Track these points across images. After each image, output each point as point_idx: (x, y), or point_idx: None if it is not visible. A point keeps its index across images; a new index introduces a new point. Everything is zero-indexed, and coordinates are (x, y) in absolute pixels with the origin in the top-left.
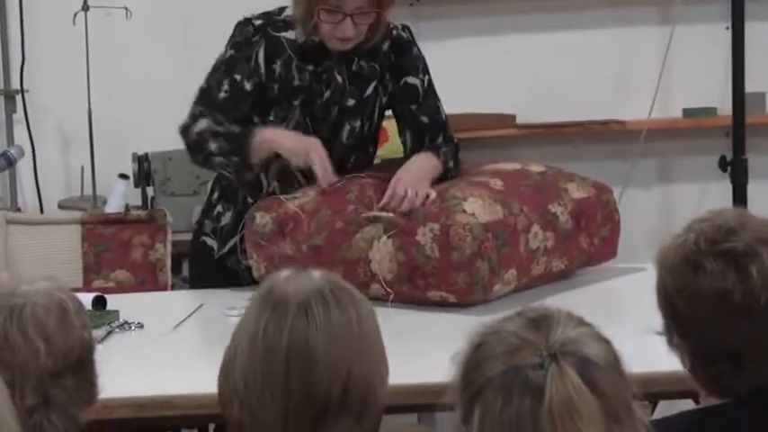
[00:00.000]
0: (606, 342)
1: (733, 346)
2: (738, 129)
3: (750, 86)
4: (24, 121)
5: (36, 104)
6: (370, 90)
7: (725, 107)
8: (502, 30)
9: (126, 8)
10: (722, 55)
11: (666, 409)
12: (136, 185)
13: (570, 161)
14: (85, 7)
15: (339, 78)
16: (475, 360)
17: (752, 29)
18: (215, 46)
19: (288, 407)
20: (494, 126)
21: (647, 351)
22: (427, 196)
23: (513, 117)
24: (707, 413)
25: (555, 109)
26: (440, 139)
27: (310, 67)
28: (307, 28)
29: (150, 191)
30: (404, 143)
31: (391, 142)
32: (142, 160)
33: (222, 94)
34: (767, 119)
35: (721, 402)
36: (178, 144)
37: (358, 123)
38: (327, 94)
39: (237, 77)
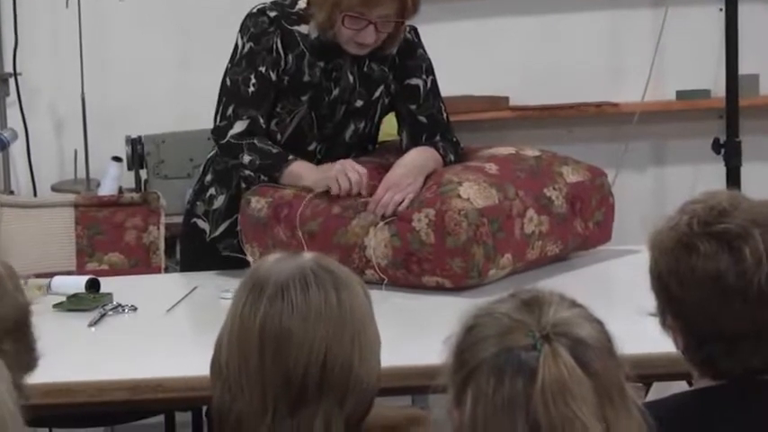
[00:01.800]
0: (599, 323)
1: (726, 328)
2: (732, 111)
3: (743, 68)
4: (17, 104)
5: (29, 87)
6: (378, 93)
7: (718, 89)
8: (495, 12)
9: None
10: (715, 37)
11: (660, 390)
12: (129, 168)
13: (564, 143)
14: None
15: (351, 78)
16: (467, 342)
17: (745, 10)
18: (208, 29)
19: (265, 388)
20: (487, 108)
21: (641, 333)
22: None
23: (507, 99)
24: (700, 395)
25: (548, 91)
26: (437, 137)
27: (321, 64)
28: (327, 32)
29: (144, 173)
30: (401, 141)
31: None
32: (135, 143)
33: (251, 89)
34: (760, 101)
35: (714, 384)
36: (171, 127)
37: (362, 124)
38: (336, 92)
39: (262, 69)
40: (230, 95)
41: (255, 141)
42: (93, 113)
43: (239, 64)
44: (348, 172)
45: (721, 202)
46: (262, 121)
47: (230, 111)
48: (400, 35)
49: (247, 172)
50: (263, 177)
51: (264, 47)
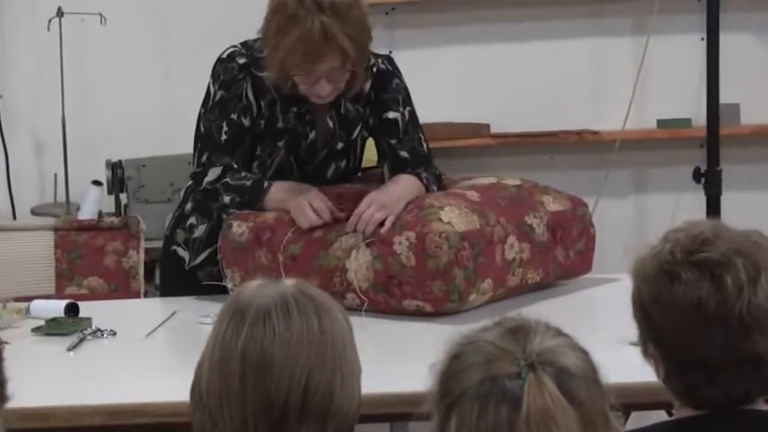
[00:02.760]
0: (583, 352)
1: (707, 356)
2: (712, 140)
3: (724, 98)
4: None
5: (9, 110)
6: (356, 132)
7: (699, 118)
8: (476, 39)
9: (100, 14)
10: (697, 66)
11: (639, 419)
12: (109, 192)
13: (545, 171)
14: (60, 13)
15: (330, 123)
16: (452, 370)
17: (727, 40)
18: (189, 53)
19: (245, 413)
20: (468, 135)
21: (621, 362)
22: (383, 223)
23: (488, 126)
24: (681, 425)
25: (529, 118)
26: (420, 170)
27: (294, 109)
28: (283, 87)
29: (124, 198)
30: (382, 175)
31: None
32: (116, 167)
33: (223, 137)
34: (741, 130)
35: (695, 414)
36: (152, 151)
37: (343, 163)
38: (312, 135)
39: (234, 117)
40: (204, 142)
41: (228, 180)
42: (73, 137)
43: (212, 111)
44: (312, 202)
45: (704, 231)
46: (235, 167)
47: (205, 158)
48: (358, 79)
49: (231, 210)
50: (246, 210)
51: (235, 94)
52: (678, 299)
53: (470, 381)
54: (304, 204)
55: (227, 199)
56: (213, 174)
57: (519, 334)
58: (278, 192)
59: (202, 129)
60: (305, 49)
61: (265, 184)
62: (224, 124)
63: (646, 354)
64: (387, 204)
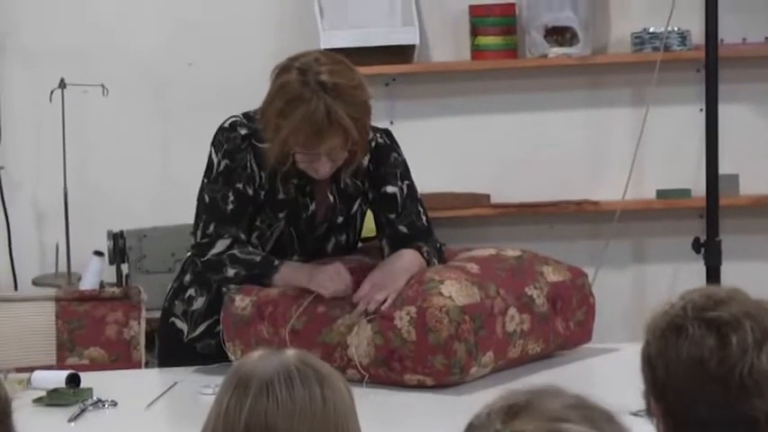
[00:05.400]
0: None
1: (703, 415)
2: (712, 210)
3: (723, 168)
4: None
5: (11, 180)
6: (356, 206)
7: (699, 189)
8: (476, 110)
9: (103, 86)
10: (696, 137)
11: None
12: (111, 262)
13: (544, 241)
14: (62, 85)
15: (330, 198)
16: (467, 426)
17: (725, 111)
18: (190, 125)
19: None
20: (468, 205)
21: None
22: (385, 300)
23: (488, 197)
24: None
25: (529, 189)
26: (420, 243)
27: (294, 181)
28: (281, 166)
29: (125, 268)
30: (381, 249)
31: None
32: (117, 237)
33: (230, 206)
34: (741, 201)
35: None
36: (153, 221)
37: (344, 237)
38: (312, 206)
39: (240, 186)
40: (210, 213)
41: (236, 252)
42: (75, 207)
43: (216, 181)
44: (334, 278)
45: (719, 293)
46: (243, 237)
47: (211, 229)
48: (357, 156)
49: (233, 283)
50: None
51: (239, 164)
52: (682, 354)
53: None
54: (326, 274)
55: (231, 272)
56: (221, 245)
57: (512, 409)
58: (289, 272)
59: (207, 199)
60: (309, 129)
61: (276, 261)
62: (230, 194)
63: (648, 410)
64: (388, 284)
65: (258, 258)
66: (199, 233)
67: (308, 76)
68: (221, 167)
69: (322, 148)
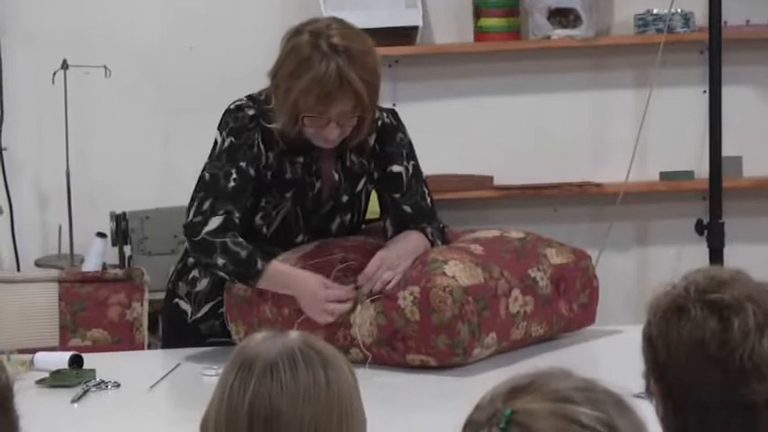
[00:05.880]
0: (581, 425)
1: (702, 397)
2: (715, 192)
3: (727, 150)
4: (2, 179)
5: (14, 162)
6: (361, 185)
7: (702, 171)
8: (480, 92)
9: (105, 67)
10: (699, 119)
11: None
12: (113, 244)
13: (548, 223)
14: (64, 66)
15: (336, 176)
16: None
17: (729, 93)
18: (192, 106)
19: None
20: (472, 188)
21: None
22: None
23: (491, 179)
24: None
25: (533, 171)
26: (424, 225)
27: (300, 159)
28: (290, 130)
29: (128, 249)
30: (385, 229)
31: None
32: (120, 219)
33: (231, 183)
34: (744, 183)
35: None
36: (156, 203)
37: (348, 216)
38: (318, 184)
39: (243, 164)
40: (208, 190)
41: (228, 241)
42: (77, 189)
43: (219, 158)
44: (326, 309)
45: (722, 274)
46: (237, 216)
47: (207, 205)
48: (365, 126)
49: (221, 273)
50: (237, 281)
51: (245, 142)
52: (683, 335)
53: (469, 418)
54: (316, 305)
55: (220, 261)
56: (215, 222)
57: (516, 389)
58: (274, 275)
59: (207, 176)
60: (319, 91)
61: (259, 264)
62: (233, 171)
63: (647, 391)
64: (394, 265)
65: (244, 254)
66: (192, 211)
67: (320, 40)
68: (225, 144)
69: (332, 112)
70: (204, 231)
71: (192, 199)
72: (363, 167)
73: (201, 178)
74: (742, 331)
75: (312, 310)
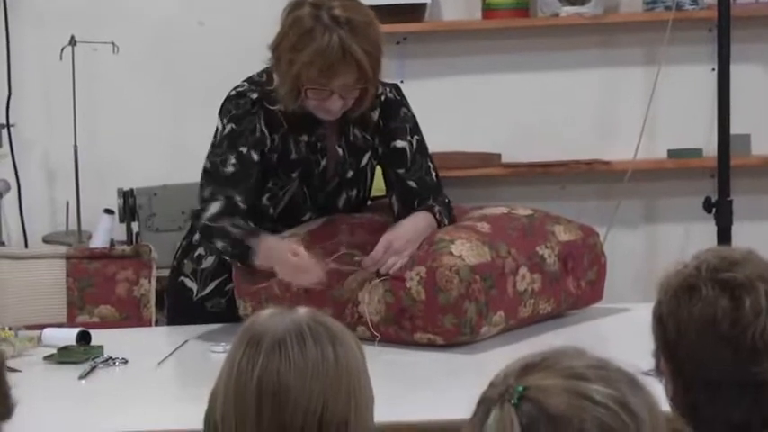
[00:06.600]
0: (593, 401)
1: (712, 375)
2: (723, 170)
3: (735, 128)
4: (10, 156)
5: (22, 139)
6: (365, 160)
7: (710, 149)
8: (488, 69)
9: (113, 43)
10: (708, 96)
11: None
12: (121, 221)
13: (555, 201)
14: (72, 42)
15: (340, 151)
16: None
17: (737, 71)
18: (201, 82)
19: None
20: (479, 165)
21: None
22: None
23: (499, 156)
24: None
25: (540, 148)
26: (430, 201)
27: (305, 138)
28: (292, 103)
29: (135, 226)
30: (391, 205)
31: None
32: (127, 195)
33: (230, 169)
34: (752, 161)
35: None
36: (163, 180)
37: (354, 192)
38: (324, 162)
39: (243, 150)
40: (209, 178)
41: (226, 225)
42: (85, 165)
43: (220, 145)
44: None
45: (734, 254)
46: (239, 199)
47: (207, 193)
48: (368, 98)
49: (223, 256)
50: (237, 262)
51: (247, 127)
52: (694, 314)
53: (482, 395)
54: (294, 270)
55: (220, 245)
56: (214, 208)
57: (528, 367)
58: (264, 250)
59: (208, 164)
60: (322, 63)
61: (252, 242)
62: (232, 157)
63: (657, 369)
64: (401, 249)
65: (240, 236)
66: (197, 200)
67: (322, 11)
68: (226, 131)
69: (335, 84)
70: (204, 217)
71: (200, 187)
72: (367, 142)
73: (204, 167)
74: (753, 310)
75: (288, 275)
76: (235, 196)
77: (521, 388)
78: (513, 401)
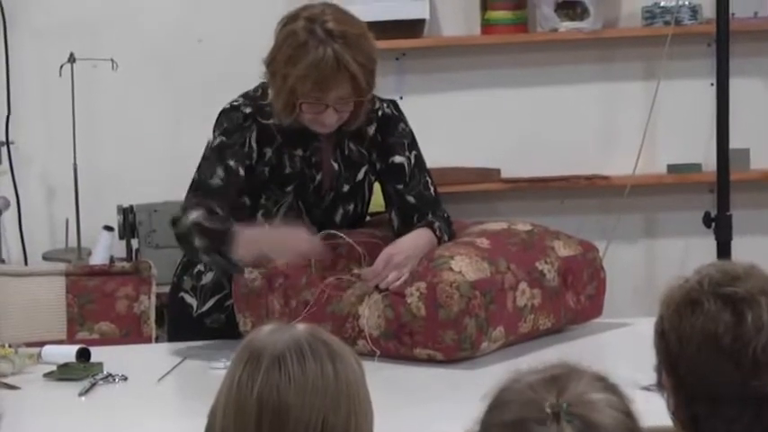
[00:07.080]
0: (626, 413)
1: (713, 390)
2: (723, 185)
3: (734, 143)
4: (9, 173)
5: (21, 156)
6: (361, 175)
7: (709, 163)
8: (487, 84)
9: (112, 60)
10: (707, 111)
11: None
12: (121, 237)
13: (555, 215)
14: (72, 59)
15: (335, 165)
16: (491, 404)
17: (736, 85)
18: (200, 99)
19: None
20: (479, 180)
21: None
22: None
23: (498, 171)
24: None
25: (540, 163)
26: (429, 216)
27: (299, 152)
28: (287, 117)
29: (135, 243)
30: (390, 221)
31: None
32: (127, 212)
33: (217, 181)
34: (751, 175)
35: None
36: (163, 196)
37: (351, 207)
38: (319, 177)
39: (231, 163)
40: (194, 188)
41: (203, 221)
42: (84, 182)
43: (208, 158)
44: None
45: (736, 269)
46: (218, 210)
47: (191, 202)
48: (362, 111)
49: (204, 257)
50: (217, 258)
51: (237, 141)
52: (696, 328)
53: (502, 417)
54: (284, 240)
55: (199, 243)
56: (191, 216)
57: (558, 381)
58: (244, 236)
59: (195, 176)
60: (316, 76)
61: (229, 229)
62: (219, 169)
63: (659, 384)
64: (402, 263)
65: (217, 226)
66: (180, 208)
67: (315, 25)
68: (215, 143)
69: (329, 97)
70: (182, 224)
71: (185, 196)
72: (363, 156)
73: (193, 178)
74: (755, 325)
75: (279, 249)
76: (215, 206)
77: (566, 405)
78: (567, 419)
